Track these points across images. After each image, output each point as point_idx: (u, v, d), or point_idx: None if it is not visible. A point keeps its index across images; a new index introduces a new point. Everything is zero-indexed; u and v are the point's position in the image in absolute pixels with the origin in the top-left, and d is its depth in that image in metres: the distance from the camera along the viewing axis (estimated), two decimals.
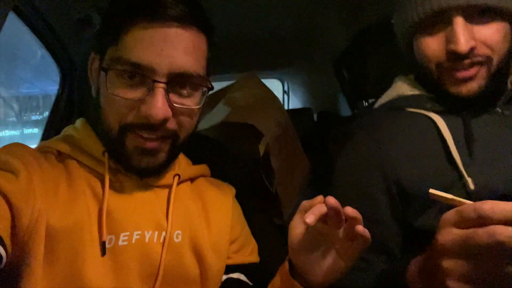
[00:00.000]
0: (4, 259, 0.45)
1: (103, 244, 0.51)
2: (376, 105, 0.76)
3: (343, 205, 0.69)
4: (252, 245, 0.71)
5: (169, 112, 0.52)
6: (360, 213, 0.66)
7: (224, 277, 0.64)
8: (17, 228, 0.47)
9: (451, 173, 0.60)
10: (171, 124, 0.54)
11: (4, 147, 0.53)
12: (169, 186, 0.61)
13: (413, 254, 0.51)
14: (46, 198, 0.50)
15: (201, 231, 0.61)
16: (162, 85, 0.51)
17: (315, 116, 1.84)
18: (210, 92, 0.60)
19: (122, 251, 0.53)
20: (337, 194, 0.69)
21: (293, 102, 2.10)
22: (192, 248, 0.60)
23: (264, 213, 0.89)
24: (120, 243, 0.53)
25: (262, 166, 0.92)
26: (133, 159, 0.55)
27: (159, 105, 0.50)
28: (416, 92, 0.71)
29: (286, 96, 2.12)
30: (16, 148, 0.53)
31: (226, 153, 0.88)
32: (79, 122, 0.62)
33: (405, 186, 0.63)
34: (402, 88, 0.73)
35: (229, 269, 0.64)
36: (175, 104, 0.53)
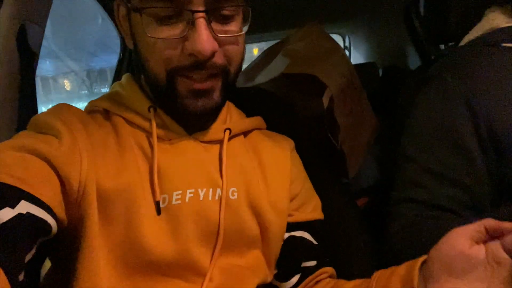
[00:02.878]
0: (54, 228, 0.44)
1: (157, 204, 0.50)
2: (462, 43, 0.66)
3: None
4: (315, 201, 0.66)
5: (215, 45, 0.47)
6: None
7: (286, 235, 0.61)
8: (67, 193, 0.46)
9: None
10: (219, 58, 0.49)
11: (51, 108, 0.52)
12: (220, 142, 0.58)
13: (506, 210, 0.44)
14: (93, 159, 0.49)
15: (257, 187, 0.58)
16: (202, 14, 0.46)
17: (380, 72, 1.71)
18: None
19: (176, 210, 0.51)
20: (417, 146, 0.63)
21: (356, 58, 1.97)
22: (249, 206, 0.57)
23: (328, 170, 0.84)
24: (174, 202, 0.51)
25: (326, 120, 0.86)
26: (188, 104, 0.51)
27: (204, 38, 0.46)
28: None
29: (347, 52, 1.99)
30: (60, 109, 0.52)
31: (285, 106, 0.83)
32: (124, 78, 0.60)
33: (499, 133, 0.54)
34: (496, 19, 0.61)
35: (291, 227, 0.61)
36: (219, 34, 0.48)
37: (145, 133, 0.54)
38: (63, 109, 0.52)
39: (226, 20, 0.49)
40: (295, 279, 0.60)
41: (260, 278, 0.58)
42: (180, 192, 0.52)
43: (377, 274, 0.51)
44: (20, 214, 0.40)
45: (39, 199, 0.42)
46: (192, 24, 0.46)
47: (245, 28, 0.52)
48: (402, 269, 0.47)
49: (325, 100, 0.83)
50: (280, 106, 0.84)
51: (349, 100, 0.91)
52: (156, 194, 0.50)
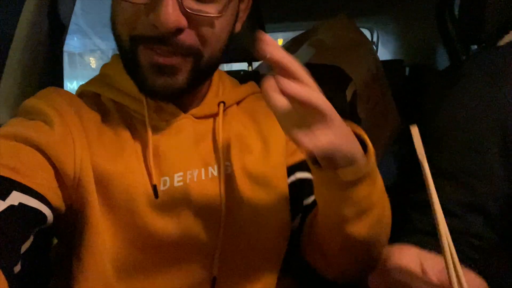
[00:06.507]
0: (50, 217, 0.43)
1: (154, 188, 0.49)
2: (501, 43, 0.63)
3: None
4: None
5: (181, 21, 0.43)
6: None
7: (289, 181, 0.58)
8: (63, 180, 0.45)
9: None
10: (189, 38, 0.44)
11: (39, 93, 0.51)
12: (215, 115, 0.55)
13: None
14: (88, 144, 0.47)
15: (255, 155, 0.56)
16: None
17: (406, 70, 1.67)
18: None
19: (178, 192, 0.50)
20: (434, 145, 0.61)
21: (383, 54, 1.92)
22: (248, 176, 0.54)
23: None
24: (176, 184, 0.50)
25: (348, 114, 0.85)
26: (148, 79, 0.46)
27: (168, 10, 0.41)
28: None
29: (374, 47, 1.94)
30: (49, 94, 0.50)
31: None
32: (112, 59, 0.56)
33: None
34: None
35: (289, 172, 0.58)
36: (190, 11, 0.43)
37: (139, 115, 0.52)
38: (52, 94, 0.50)
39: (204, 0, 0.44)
40: (297, 219, 0.58)
41: (276, 250, 0.56)
42: (181, 174, 0.51)
43: None
44: (11, 206, 0.39)
45: (31, 189, 0.41)
46: None
47: (226, 12, 0.46)
48: None
49: (349, 94, 0.82)
50: None
51: (373, 96, 0.89)
52: (152, 177, 0.49)
